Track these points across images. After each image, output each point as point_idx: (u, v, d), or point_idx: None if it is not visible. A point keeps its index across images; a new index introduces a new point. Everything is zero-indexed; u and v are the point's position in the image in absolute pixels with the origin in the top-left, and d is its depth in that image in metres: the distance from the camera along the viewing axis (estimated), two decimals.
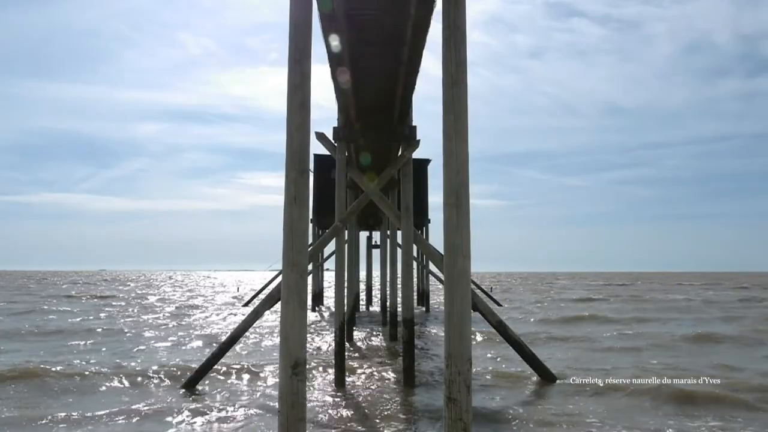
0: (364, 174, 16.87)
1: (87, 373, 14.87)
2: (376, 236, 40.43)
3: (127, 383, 14.10)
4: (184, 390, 13.39)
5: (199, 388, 13.54)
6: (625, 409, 11.76)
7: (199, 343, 21.86)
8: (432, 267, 36.35)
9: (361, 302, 37.57)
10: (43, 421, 10.60)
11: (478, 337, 21.72)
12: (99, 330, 25.55)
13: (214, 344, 21.16)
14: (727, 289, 76.62)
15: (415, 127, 14.65)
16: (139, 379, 14.49)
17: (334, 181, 15.40)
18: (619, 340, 22.94)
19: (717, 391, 12.87)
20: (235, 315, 34.74)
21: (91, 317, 32.64)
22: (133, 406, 11.73)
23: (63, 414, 11.03)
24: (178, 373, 14.98)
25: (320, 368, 15.74)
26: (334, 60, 10.87)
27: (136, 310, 38.45)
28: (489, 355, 18.63)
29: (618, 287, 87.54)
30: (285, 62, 6.33)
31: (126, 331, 25.47)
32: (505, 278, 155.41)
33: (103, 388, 13.66)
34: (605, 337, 23.62)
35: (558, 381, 14.09)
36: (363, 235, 40.05)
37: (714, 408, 11.72)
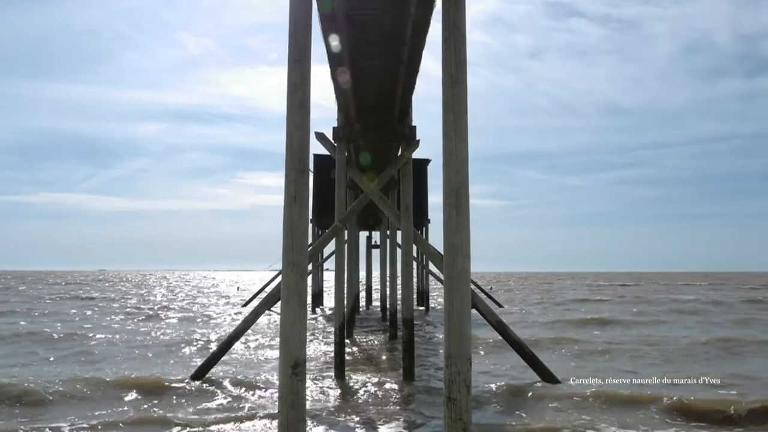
0: (364, 174, 16.88)
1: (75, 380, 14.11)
2: (376, 236, 40.47)
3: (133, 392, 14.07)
4: (185, 385, 13.39)
5: (200, 386, 13.54)
6: (627, 414, 11.47)
7: (157, 350, 20.48)
8: (432, 267, 36.35)
9: (360, 302, 37.57)
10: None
11: (480, 338, 21.59)
12: (79, 334, 24.67)
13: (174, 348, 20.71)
14: (732, 290, 75.81)
15: (414, 127, 14.66)
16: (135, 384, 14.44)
17: (334, 181, 15.42)
18: (624, 342, 22.53)
19: (727, 398, 12.23)
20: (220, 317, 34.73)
21: (74, 319, 32.41)
22: (131, 412, 11.73)
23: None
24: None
25: (320, 368, 15.73)
26: (334, 60, 10.87)
27: (115, 312, 38.27)
28: (487, 361, 18.59)
29: (620, 287, 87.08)
30: (285, 62, 6.34)
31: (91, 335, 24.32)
32: (505, 278, 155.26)
33: (91, 392, 13.59)
34: (609, 339, 23.26)
35: (559, 383, 13.99)
36: (363, 235, 40.10)
37: (723, 416, 11.19)
